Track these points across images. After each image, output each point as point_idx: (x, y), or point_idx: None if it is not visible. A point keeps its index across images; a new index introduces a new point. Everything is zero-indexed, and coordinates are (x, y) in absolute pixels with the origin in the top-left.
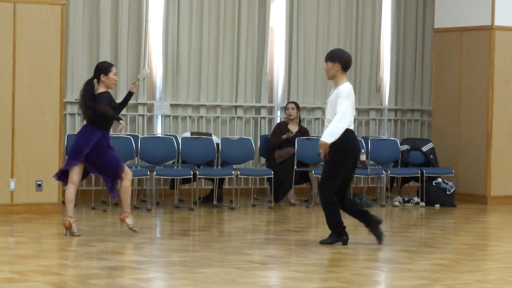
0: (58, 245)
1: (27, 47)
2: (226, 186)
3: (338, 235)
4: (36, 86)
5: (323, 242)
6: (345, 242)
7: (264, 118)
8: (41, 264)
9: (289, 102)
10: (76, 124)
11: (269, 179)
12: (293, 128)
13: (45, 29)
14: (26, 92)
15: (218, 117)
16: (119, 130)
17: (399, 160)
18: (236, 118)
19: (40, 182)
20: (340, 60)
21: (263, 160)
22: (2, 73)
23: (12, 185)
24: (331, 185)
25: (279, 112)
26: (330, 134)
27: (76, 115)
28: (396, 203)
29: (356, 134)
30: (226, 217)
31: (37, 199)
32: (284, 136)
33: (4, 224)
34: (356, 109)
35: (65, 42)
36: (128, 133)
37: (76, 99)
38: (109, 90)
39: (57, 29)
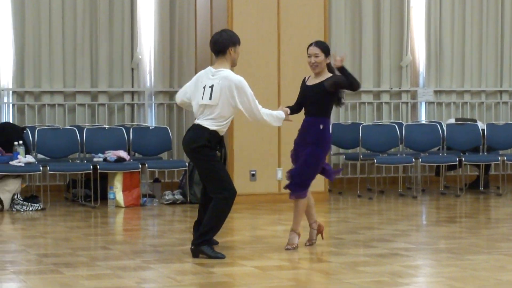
0: (325, 233)
1: (291, 38)
2: (492, 172)
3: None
4: (301, 76)
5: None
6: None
7: None
8: (309, 252)
9: None
10: (340, 113)
11: None
12: None
13: (308, 20)
14: (291, 82)
15: (482, 102)
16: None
17: None
18: (501, 103)
19: None
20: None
21: None
22: (268, 65)
23: (279, 174)
24: None
25: None
26: None
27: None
28: None
29: None
30: (493, 204)
31: None
32: None
33: (272, 213)
34: None
35: (328, 32)
36: (392, 120)
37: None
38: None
39: (320, 20)
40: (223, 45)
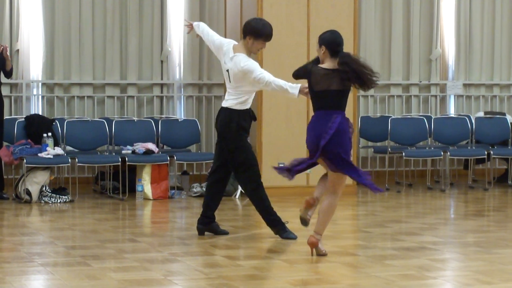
0: (353, 226)
1: (321, 30)
2: None
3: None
4: None
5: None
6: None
7: None
8: (337, 245)
9: None
10: (369, 106)
11: None
12: None
13: (338, 12)
14: None
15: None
16: None
17: None
18: None
19: None
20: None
21: None
22: (298, 57)
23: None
24: None
25: None
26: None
27: (369, 97)
28: None
29: None
30: None
31: None
32: None
33: (300, 206)
34: None
35: (358, 25)
36: (420, 113)
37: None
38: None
39: (349, 12)
40: (244, 30)
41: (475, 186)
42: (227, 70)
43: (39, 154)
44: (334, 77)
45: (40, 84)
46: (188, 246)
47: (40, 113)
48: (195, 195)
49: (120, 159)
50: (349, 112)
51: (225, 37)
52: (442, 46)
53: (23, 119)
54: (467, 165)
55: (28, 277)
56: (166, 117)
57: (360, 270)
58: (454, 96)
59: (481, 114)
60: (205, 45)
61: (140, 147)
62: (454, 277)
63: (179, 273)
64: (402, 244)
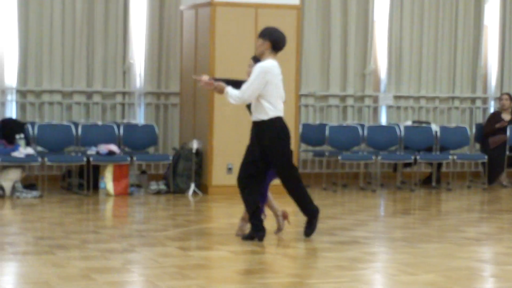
0: (293, 222)
1: None
2: (443, 169)
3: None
4: None
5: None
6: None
7: (479, 108)
8: (279, 239)
9: (503, 94)
10: (309, 114)
11: (483, 163)
12: (506, 117)
13: (283, 30)
14: None
15: (436, 107)
16: None
17: None
18: (453, 108)
19: None
20: (270, 38)
21: (477, 146)
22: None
23: None
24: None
25: (492, 103)
26: (229, 95)
27: (309, 106)
28: None
29: None
30: (443, 198)
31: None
32: (498, 125)
33: None
34: None
35: (300, 42)
36: (355, 122)
37: (310, 92)
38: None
39: (293, 30)
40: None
41: (402, 187)
42: None
43: (12, 154)
44: None
45: (14, 91)
46: (145, 238)
47: (14, 117)
48: (152, 192)
49: (85, 159)
50: (290, 119)
51: (181, 52)
52: (375, 62)
53: None
54: (395, 168)
55: (0, 265)
56: (127, 122)
57: (298, 261)
58: (386, 106)
59: (409, 123)
60: (164, 58)
61: (103, 148)
62: (383, 268)
63: (136, 262)
64: (337, 238)
